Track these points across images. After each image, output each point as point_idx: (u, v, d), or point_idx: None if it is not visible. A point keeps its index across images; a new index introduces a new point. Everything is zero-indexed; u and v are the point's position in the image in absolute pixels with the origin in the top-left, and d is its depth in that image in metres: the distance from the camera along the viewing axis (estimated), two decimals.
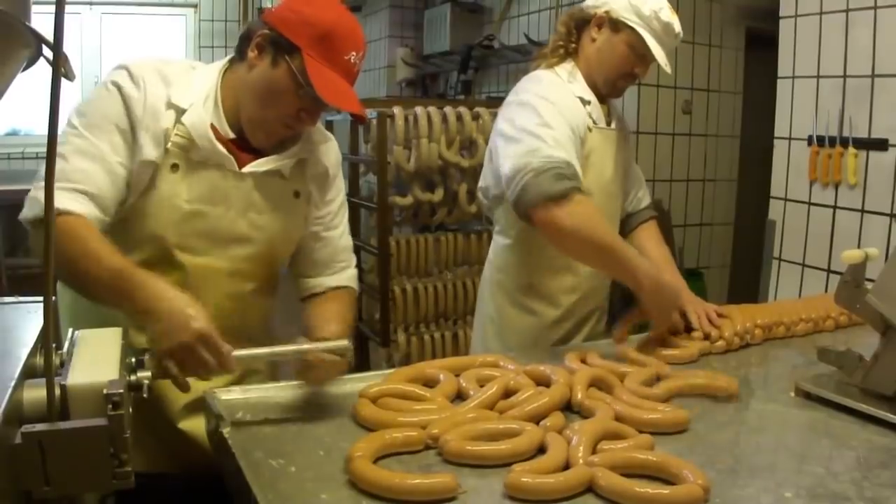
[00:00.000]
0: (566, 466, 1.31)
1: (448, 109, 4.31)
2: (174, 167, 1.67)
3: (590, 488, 1.26)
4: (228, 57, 1.78)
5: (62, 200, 1.55)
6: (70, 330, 1.30)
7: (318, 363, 1.57)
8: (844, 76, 3.11)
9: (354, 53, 1.66)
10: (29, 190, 1.66)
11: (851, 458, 1.43)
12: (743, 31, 5.09)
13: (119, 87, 1.65)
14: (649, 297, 1.96)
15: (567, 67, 2.25)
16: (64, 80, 0.93)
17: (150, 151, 1.65)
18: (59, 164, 1.57)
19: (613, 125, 2.32)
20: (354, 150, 4.75)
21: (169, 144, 1.66)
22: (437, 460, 1.38)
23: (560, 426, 1.46)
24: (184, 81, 1.70)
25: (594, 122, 2.21)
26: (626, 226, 2.49)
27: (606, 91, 2.27)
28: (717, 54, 5.00)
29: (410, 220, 4.60)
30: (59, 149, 1.59)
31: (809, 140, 3.26)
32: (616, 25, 2.17)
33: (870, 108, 3.01)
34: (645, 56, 2.17)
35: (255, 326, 1.87)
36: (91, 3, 7.23)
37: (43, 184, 1.51)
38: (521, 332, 2.27)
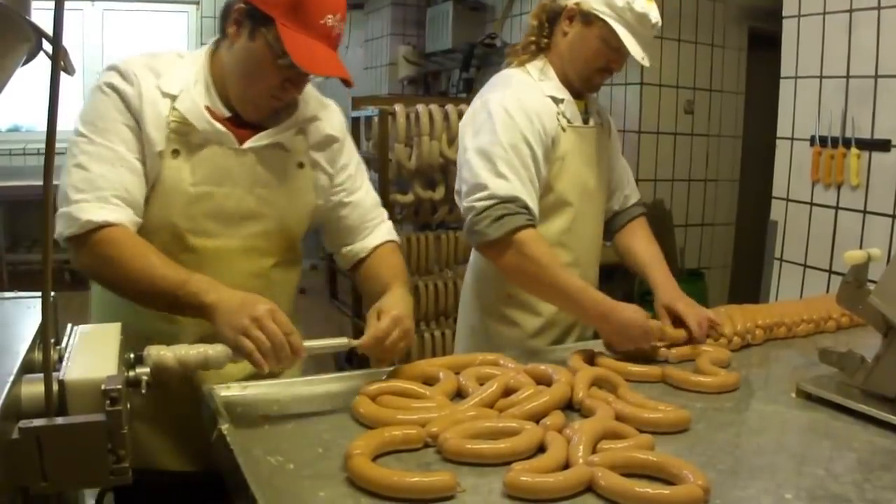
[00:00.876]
0: (566, 466, 1.30)
1: (450, 107, 4.31)
2: (175, 153, 1.68)
3: (589, 488, 1.25)
4: (213, 38, 1.78)
5: (97, 212, 1.57)
6: (69, 325, 1.30)
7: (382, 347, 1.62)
8: (847, 76, 3.11)
9: (331, 16, 1.63)
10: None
11: (852, 460, 1.43)
12: (745, 31, 5.09)
13: (114, 87, 1.66)
14: (602, 331, 1.96)
15: (538, 65, 2.19)
16: (64, 76, 0.93)
17: (157, 142, 1.66)
18: (81, 175, 1.60)
19: (591, 122, 2.25)
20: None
21: (167, 132, 1.67)
22: (437, 458, 1.37)
23: (560, 425, 1.45)
24: (172, 70, 1.71)
25: (568, 121, 2.15)
26: (614, 224, 2.43)
27: (582, 86, 2.19)
28: (719, 54, 5.00)
29: (411, 217, 4.60)
30: (75, 160, 1.61)
31: (812, 140, 3.26)
32: (588, 18, 2.07)
33: (872, 109, 3.01)
34: (619, 49, 2.06)
35: (283, 304, 1.84)
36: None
37: (77, 197, 1.57)
38: (504, 344, 2.18)
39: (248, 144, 1.73)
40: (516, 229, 1.96)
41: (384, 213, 2.03)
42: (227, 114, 1.73)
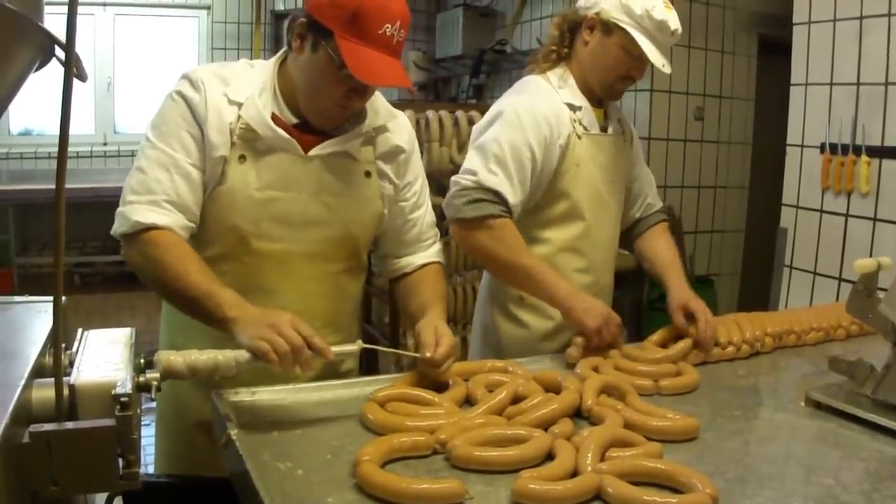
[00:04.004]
0: (574, 473, 1.30)
1: (459, 113, 4.31)
2: (241, 158, 1.72)
3: (598, 496, 1.25)
4: (284, 49, 1.81)
5: (146, 215, 1.65)
6: (80, 329, 1.31)
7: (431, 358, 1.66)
8: (858, 83, 3.10)
9: (389, 26, 1.64)
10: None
11: (861, 469, 1.42)
12: (755, 38, 5.08)
13: (182, 95, 1.72)
14: (572, 318, 1.98)
15: (558, 72, 2.21)
16: (76, 81, 0.94)
17: (219, 147, 1.70)
18: (139, 178, 1.68)
19: (610, 130, 2.26)
20: None
21: (234, 138, 1.72)
22: (445, 465, 1.37)
23: (569, 433, 1.45)
24: (241, 79, 1.76)
25: (585, 129, 2.17)
26: (636, 230, 2.45)
27: (603, 94, 2.22)
28: (729, 61, 4.99)
29: None
30: (138, 163, 1.71)
31: (822, 147, 3.25)
32: (608, 27, 2.10)
33: (883, 116, 3.00)
34: (640, 57, 2.09)
35: (347, 312, 1.94)
36: (104, 4, 7.26)
37: (132, 199, 1.65)
38: (513, 345, 2.22)
39: (313, 152, 1.77)
40: (490, 216, 2.03)
41: (437, 234, 2.08)
42: (294, 121, 1.77)
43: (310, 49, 1.68)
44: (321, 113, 1.76)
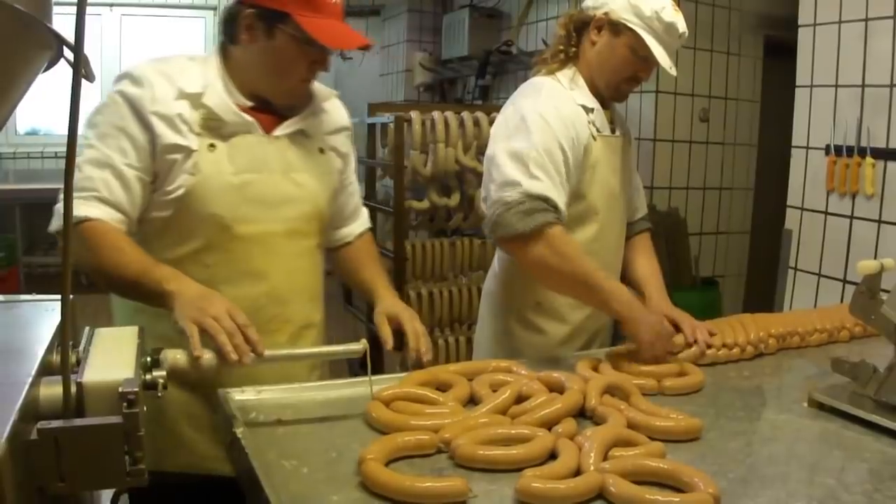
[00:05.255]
0: (577, 473, 1.31)
1: (465, 114, 4.31)
2: (211, 147, 1.76)
3: (600, 495, 1.26)
4: (217, 44, 1.87)
5: (79, 208, 1.66)
6: (87, 328, 1.31)
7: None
8: (863, 85, 3.09)
9: None
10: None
11: (864, 470, 1.43)
12: (761, 40, 5.07)
13: (123, 94, 1.73)
14: (629, 328, 1.95)
15: (568, 73, 2.19)
16: (84, 81, 0.94)
17: (168, 136, 1.72)
18: (75, 175, 1.64)
19: (617, 131, 2.27)
20: (371, 153, 4.76)
21: (196, 129, 1.74)
22: (449, 464, 1.38)
23: (572, 432, 1.46)
24: (189, 72, 1.79)
25: (598, 131, 2.16)
26: None
27: (609, 95, 2.21)
28: (734, 62, 4.99)
29: (426, 224, 4.61)
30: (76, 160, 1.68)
31: (827, 149, 3.25)
32: (616, 27, 2.09)
33: (888, 118, 2.99)
34: (647, 58, 2.08)
35: (322, 286, 2.01)
36: (112, 5, 7.29)
37: (63, 196, 1.62)
38: (528, 351, 2.20)
39: (278, 132, 1.84)
40: (545, 224, 1.97)
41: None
42: (249, 104, 1.82)
43: (264, 36, 1.75)
44: (288, 92, 1.85)
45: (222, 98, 1.77)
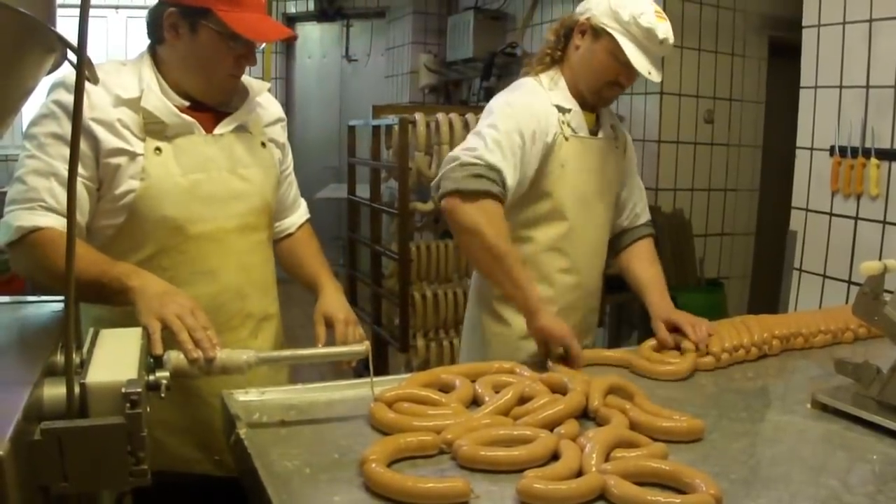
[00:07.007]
0: (579, 474, 1.31)
1: (470, 116, 4.32)
2: (157, 150, 1.76)
3: (602, 496, 1.26)
4: (146, 46, 1.87)
5: (28, 219, 1.66)
6: (90, 329, 1.32)
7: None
8: (867, 86, 3.09)
9: None
10: None
11: (867, 471, 1.43)
12: (765, 41, 5.07)
13: (59, 103, 1.71)
14: (533, 320, 1.96)
15: (550, 74, 2.23)
16: (87, 84, 0.95)
17: (111, 140, 1.72)
18: (18, 188, 1.70)
19: (601, 134, 2.27)
20: (376, 155, 4.77)
21: (140, 133, 1.75)
22: (451, 465, 1.38)
23: (574, 434, 1.46)
24: (123, 78, 1.78)
25: (573, 131, 2.17)
26: (620, 243, 2.44)
27: (592, 99, 2.22)
28: (739, 63, 4.99)
29: (431, 226, 4.61)
30: (17, 173, 1.71)
31: (832, 150, 3.25)
32: (597, 32, 2.12)
33: (892, 119, 2.99)
34: (628, 63, 2.09)
35: (274, 279, 2.03)
36: (117, 7, 7.29)
37: (11, 208, 1.67)
38: (495, 343, 2.22)
39: (219, 130, 1.86)
40: (488, 192, 1.99)
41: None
42: (185, 104, 1.83)
43: (188, 34, 1.76)
44: (217, 87, 1.86)
45: (161, 100, 1.77)
